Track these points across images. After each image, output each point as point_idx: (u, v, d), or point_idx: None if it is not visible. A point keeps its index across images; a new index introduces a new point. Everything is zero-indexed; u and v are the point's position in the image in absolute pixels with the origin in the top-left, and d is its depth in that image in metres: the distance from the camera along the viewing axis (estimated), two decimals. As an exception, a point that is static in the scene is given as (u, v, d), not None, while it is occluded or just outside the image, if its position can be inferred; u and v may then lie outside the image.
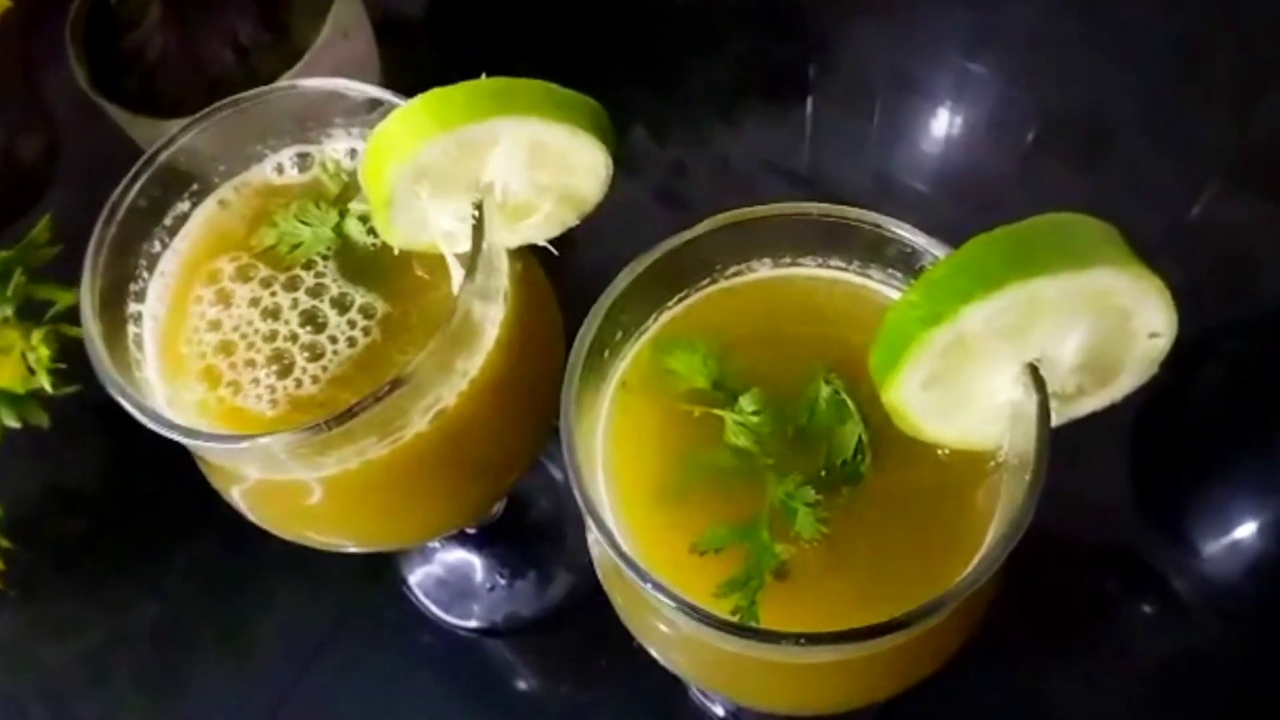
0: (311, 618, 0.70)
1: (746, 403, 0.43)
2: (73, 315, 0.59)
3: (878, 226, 0.41)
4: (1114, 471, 0.68)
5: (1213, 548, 0.66)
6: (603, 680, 0.66)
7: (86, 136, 0.70)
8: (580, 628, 0.67)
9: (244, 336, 0.47)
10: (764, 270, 0.46)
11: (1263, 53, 0.79)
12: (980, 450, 0.41)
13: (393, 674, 0.68)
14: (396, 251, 0.45)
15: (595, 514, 0.39)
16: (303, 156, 0.50)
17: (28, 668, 0.72)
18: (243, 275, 0.48)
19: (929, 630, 0.39)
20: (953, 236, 0.39)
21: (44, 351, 0.54)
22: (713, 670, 0.46)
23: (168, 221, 0.48)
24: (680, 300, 0.45)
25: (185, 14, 0.69)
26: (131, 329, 0.46)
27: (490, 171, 0.42)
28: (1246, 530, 0.66)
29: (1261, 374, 0.72)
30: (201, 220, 0.49)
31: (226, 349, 0.47)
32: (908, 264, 0.42)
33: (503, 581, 0.68)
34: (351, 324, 0.46)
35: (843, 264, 0.45)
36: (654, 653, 0.46)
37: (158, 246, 0.48)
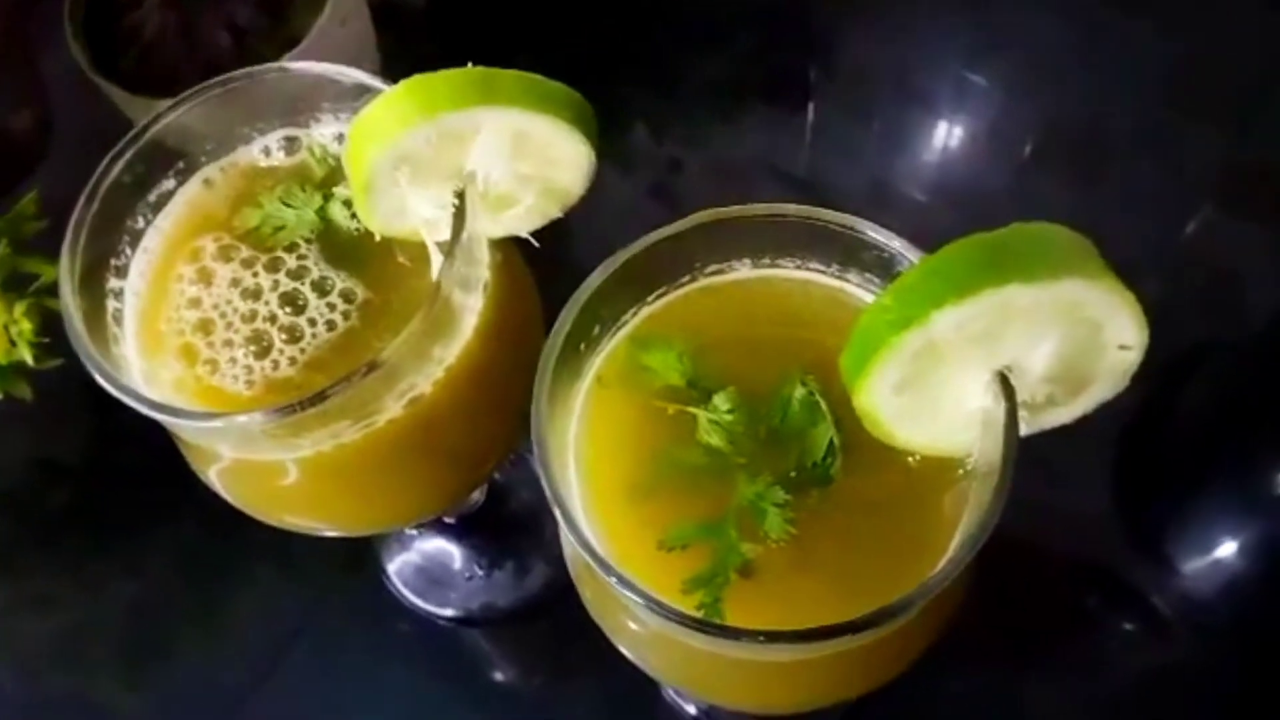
0: (289, 602, 0.70)
1: (721, 401, 0.43)
2: (57, 290, 0.59)
3: (854, 230, 0.42)
4: (1095, 486, 0.68)
5: (1192, 565, 0.66)
6: (576, 674, 0.67)
7: (81, 114, 0.70)
8: (556, 620, 0.67)
9: (223, 316, 0.47)
10: (744, 270, 0.46)
11: (1257, 76, 0.79)
12: (950, 457, 0.41)
13: (367, 660, 0.68)
14: (379, 238, 0.45)
15: (564, 509, 0.39)
16: (290, 140, 0.50)
17: (2, 641, 0.72)
18: (225, 255, 0.48)
19: (894, 632, 0.39)
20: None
21: (26, 325, 0.54)
22: (679, 667, 0.46)
23: (152, 198, 0.48)
24: (659, 297, 0.45)
25: (184, -6, 0.69)
26: (112, 304, 0.47)
27: (472, 160, 0.42)
28: (1226, 549, 0.67)
29: (1246, 394, 0.72)
30: (186, 199, 0.49)
31: (205, 328, 0.47)
32: (885, 268, 0.42)
33: (480, 572, 0.68)
34: (331, 308, 0.46)
35: (821, 267, 0.45)
36: (624, 650, 0.46)
37: (141, 223, 0.48)
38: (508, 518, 0.70)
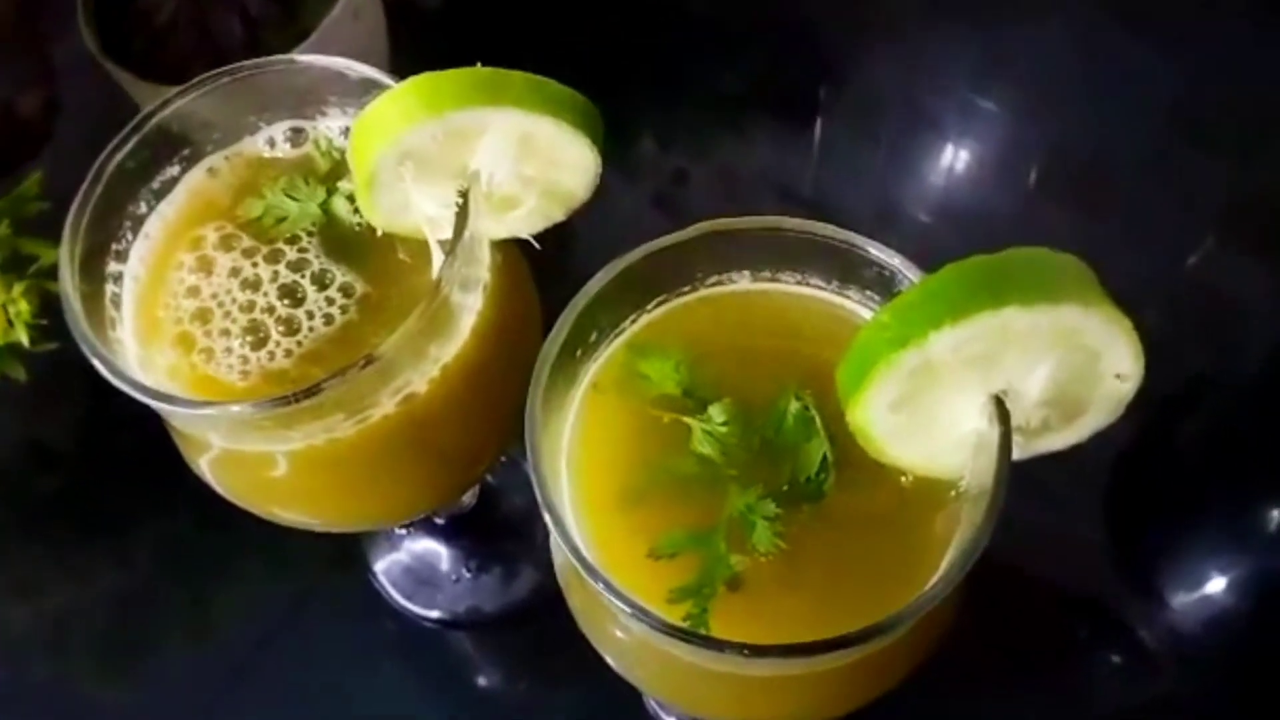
0: (275, 597, 0.70)
1: (716, 412, 0.43)
2: (57, 273, 0.59)
3: (855, 246, 0.42)
4: (1087, 515, 0.68)
5: (1182, 598, 0.66)
6: (559, 683, 0.66)
7: (90, 98, 0.71)
8: (541, 627, 0.67)
9: (221, 305, 0.47)
10: (744, 282, 0.46)
11: (1263, 110, 0.79)
12: (942, 478, 0.41)
13: (351, 658, 0.68)
14: (380, 233, 0.45)
15: (554, 513, 0.39)
16: (296, 132, 0.50)
17: (-17, 625, 0.72)
18: (225, 244, 0.48)
19: (879, 651, 0.39)
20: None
21: (24, 305, 0.54)
22: (663, 678, 0.46)
23: (156, 184, 0.48)
24: (659, 305, 0.45)
25: (198, -17, 0.69)
26: (110, 288, 0.46)
27: (477, 160, 0.42)
28: (1216, 584, 0.66)
29: (1242, 430, 0.72)
30: (189, 186, 0.49)
31: (203, 316, 0.47)
32: (885, 286, 0.42)
33: (468, 574, 0.68)
34: (330, 301, 0.46)
35: (821, 283, 0.45)
36: (608, 658, 0.46)
37: (144, 208, 0.48)
38: (499, 521, 0.70)
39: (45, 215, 0.59)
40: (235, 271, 0.47)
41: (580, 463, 0.43)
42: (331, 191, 0.48)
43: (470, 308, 0.46)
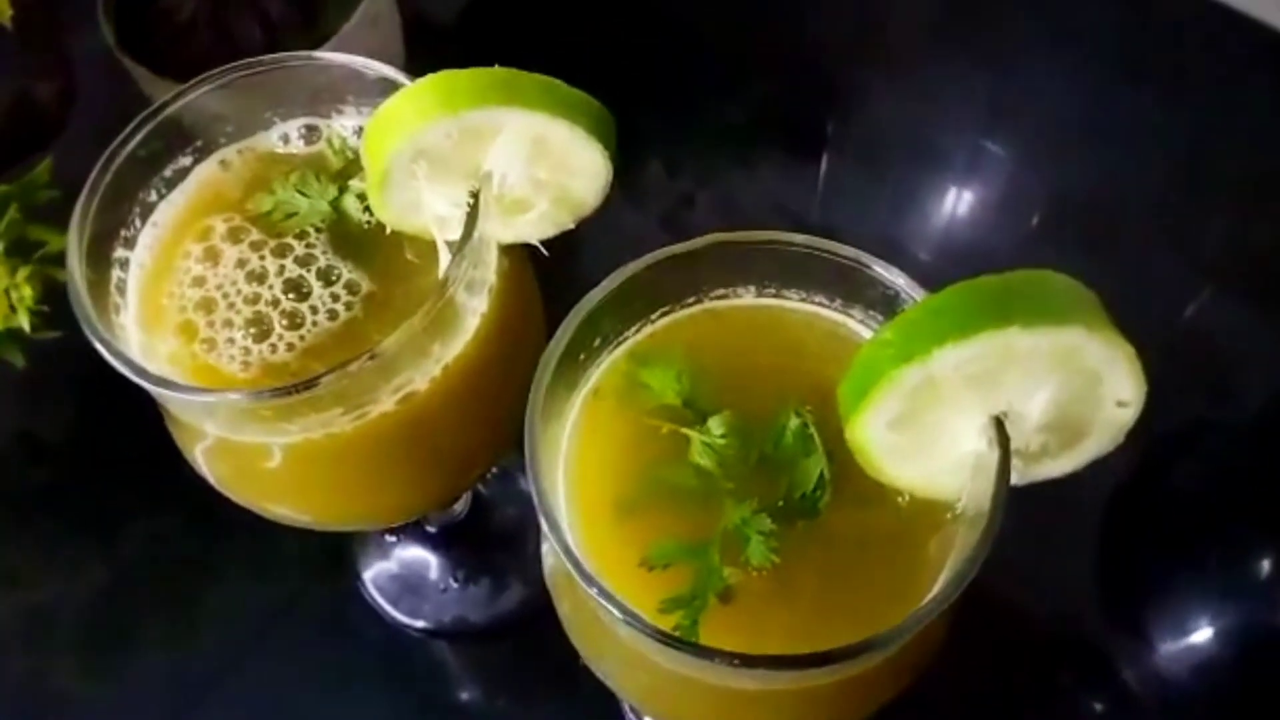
0: (260, 600, 0.70)
1: (715, 425, 0.43)
2: (63, 260, 0.59)
3: (860, 264, 0.42)
4: (1079, 556, 0.68)
5: (1169, 644, 0.66)
6: (541, 697, 0.66)
7: (105, 91, 0.71)
8: (526, 641, 0.66)
9: (226, 296, 0.47)
10: (748, 297, 0.46)
11: (1266, 162, 0.80)
12: (939, 500, 0.41)
13: (333, 663, 0.67)
14: (389, 231, 0.45)
15: (549, 515, 0.39)
16: (310, 129, 0.50)
17: (-37, 615, 0.71)
18: (234, 236, 0.48)
19: (866, 671, 0.39)
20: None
21: (27, 290, 0.54)
22: (651, 690, 0.45)
23: (168, 173, 0.49)
24: (663, 315, 0.45)
25: (220, -16, 0.70)
26: (116, 273, 0.46)
27: (490, 161, 0.42)
28: (1204, 632, 0.66)
29: (1236, 478, 0.72)
30: (201, 177, 0.49)
31: (207, 306, 0.47)
32: (888, 306, 0.43)
33: (456, 585, 0.68)
34: (335, 297, 0.46)
35: (825, 300, 0.45)
36: (594, 667, 0.46)
37: (154, 197, 0.48)
38: (490, 533, 0.70)
39: (54, 203, 0.59)
40: (242, 263, 0.47)
41: (577, 469, 0.43)
42: (342, 189, 0.48)
43: (475, 310, 0.46)
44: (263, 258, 0.47)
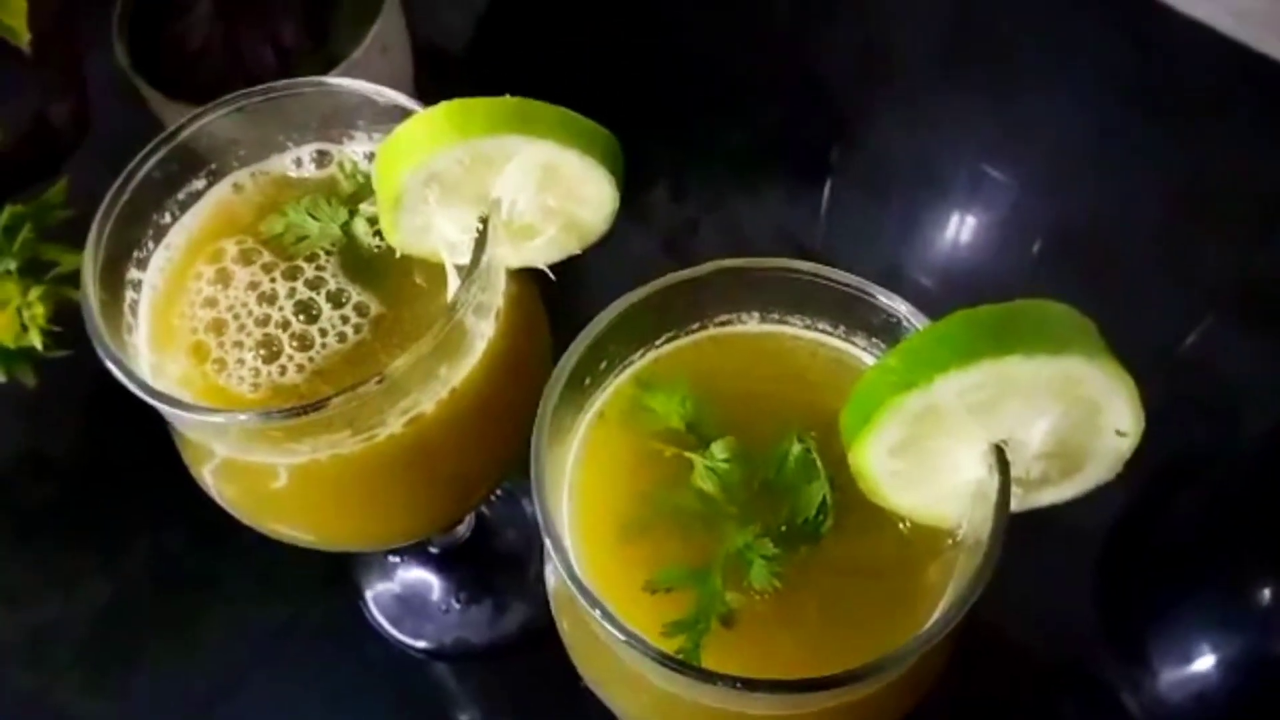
0: (262, 619, 0.70)
1: (718, 449, 0.43)
2: (76, 280, 0.60)
3: (863, 293, 0.42)
4: (1079, 585, 0.68)
5: (1168, 674, 0.66)
6: (541, 719, 0.66)
7: (119, 114, 0.72)
8: (527, 663, 0.67)
9: (236, 317, 0.47)
10: (753, 324, 0.46)
11: (1268, 193, 0.81)
12: (940, 527, 0.42)
13: (335, 684, 0.67)
14: (399, 254, 0.46)
15: (554, 536, 0.39)
16: (322, 154, 0.51)
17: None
18: (245, 259, 0.49)
19: (866, 696, 0.39)
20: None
21: (40, 309, 0.55)
22: (651, 712, 0.45)
23: (181, 196, 0.49)
24: (668, 340, 0.46)
25: (234, 10, 0.71)
26: (129, 294, 0.47)
27: (500, 187, 0.43)
28: (1204, 661, 0.66)
29: (1236, 508, 0.72)
30: (214, 200, 0.50)
31: (218, 327, 0.47)
32: (891, 334, 0.43)
33: (458, 606, 0.68)
34: (344, 319, 0.47)
35: (829, 328, 0.45)
36: (596, 690, 0.46)
37: (168, 219, 0.49)
38: (492, 555, 0.70)
39: (67, 224, 0.60)
40: (253, 285, 0.48)
41: (581, 491, 0.44)
42: (353, 213, 0.49)
43: (483, 334, 0.46)
44: (273, 280, 0.48)
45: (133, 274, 0.48)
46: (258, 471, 0.46)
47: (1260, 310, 0.77)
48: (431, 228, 0.44)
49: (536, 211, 0.44)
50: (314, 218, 0.49)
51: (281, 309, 0.47)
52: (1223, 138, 0.83)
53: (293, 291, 0.48)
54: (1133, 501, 0.70)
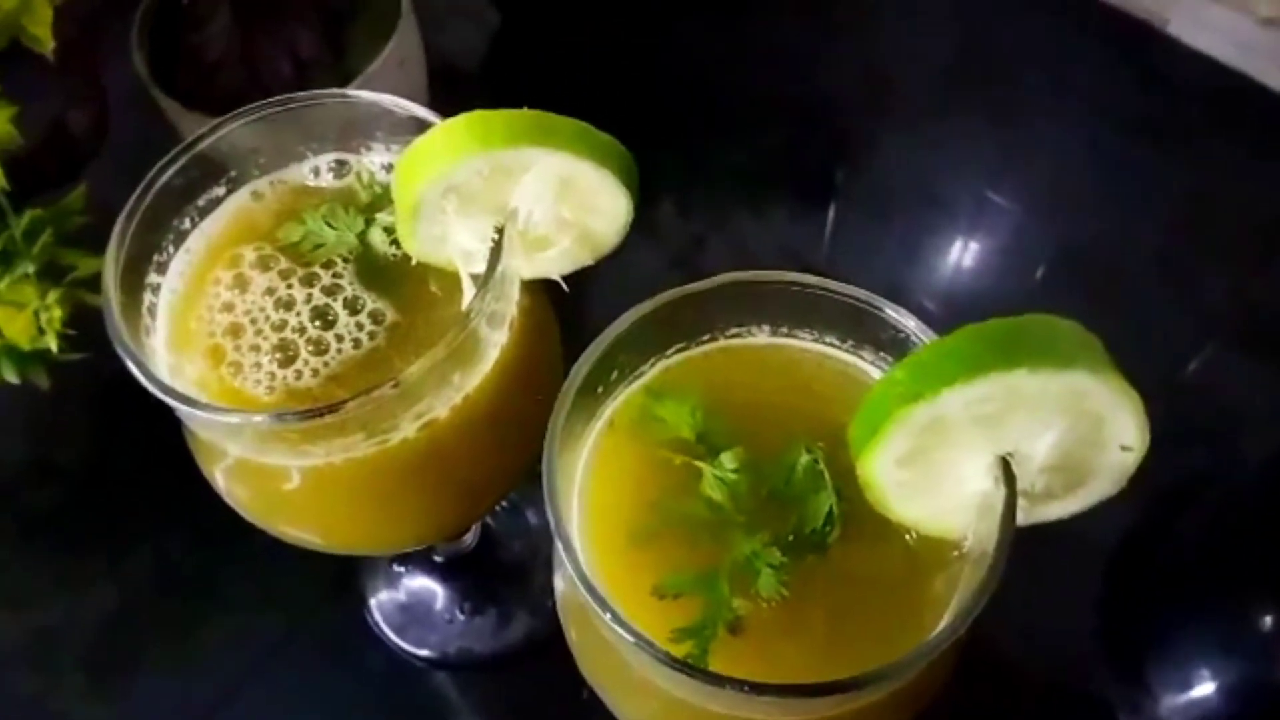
0: (265, 626, 0.70)
1: (727, 459, 0.44)
2: (92, 285, 0.61)
3: (872, 307, 0.43)
4: (1080, 607, 0.68)
5: (1169, 698, 0.66)
6: (543, 729, 0.66)
7: (137, 123, 0.73)
8: (530, 674, 0.67)
9: (254, 322, 0.48)
10: (762, 337, 0.47)
11: (1269, 221, 0.81)
12: (945, 538, 0.42)
13: (337, 690, 0.68)
14: (415, 262, 0.47)
15: (565, 540, 0.40)
16: (341, 164, 0.52)
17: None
18: (263, 265, 0.49)
19: (872, 703, 0.40)
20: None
21: (57, 312, 0.55)
22: (659, 718, 0.46)
23: (201, 202, 0.50)
24: (678, 351, 0.47)
25: (252, 22, 0.72)
26: (148, 297, 0.48)
27: (517, 198, 0.44)
28: (1204, 687, 0.67)
29: (1237, 533, 0.73)
30: (233, 207, 0.51)
31: (235, 331, 0.48)
32: (899, 348, 0.44)
33: (462, 616, 0.68)
34: (360, 326, 0.48)
35: (837, 341, 0.46)
36: (603, 697, 0.46)
37: (187, 224, 0.50)
38: (497, 565, 0.70)
39: (84, 230, 0.61)
40: (270, 291, 0.49)
41: (591, 498, 0.44)
42: (369, 222, 0.50)
43: (496, 342, 0.47)
44: (290, 286, 0.49)
45: (152, 277, 0.48)
46: (271, 473, 0.46)
47: (1260, 335, 0.77)
48: (448, 237, 0.44)
49: (552, 223, 0.45)
50: (331, 226, 0.49)
51: (298, 314, 0.48)
52: (1223, 163, 0.84)
53: (309, 298, 0.48)
54: (1133, 524, 0.71)
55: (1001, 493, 0.39)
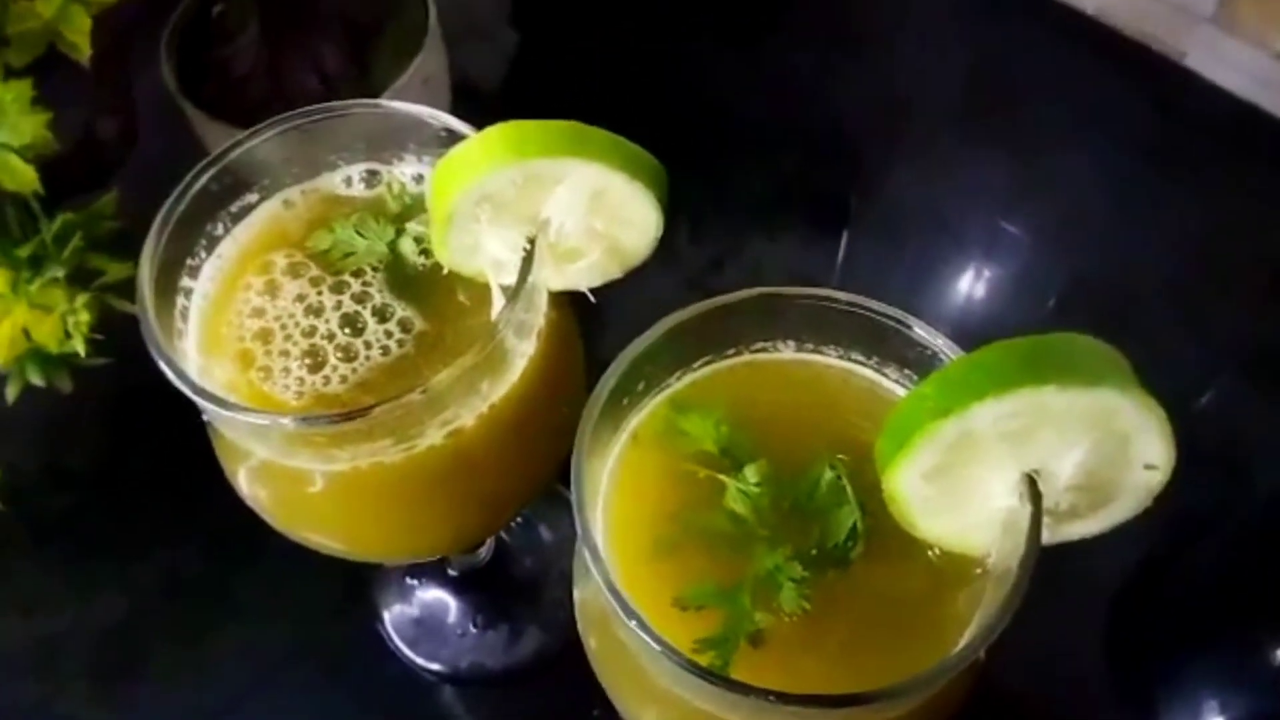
0: (275, 636, 0.70)
1: (751, 473, 0.44)
2: (120, 290, 0.61)
3: (899, 323, 0.44)
4: (1093, 636, 0.68)
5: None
6: (554, 745, 0.66)
7: (164, 133, 0.73)
8: (541, 689, 0.67)
9: (283, 327, 0.48)
10: (788, 352, 0.48)
11: (1283, 255, 0.82)
12: (969, 555, 0.42)
13: (348, 702, 0.67)
14: (446, 271, 0.47)
15: (592, 545, 0.40)
16: (372, 174, 0.52)
17: (-19, 639, 0.72)
18: (293, 271, 0.50)
19: (896, 717, 0.40)
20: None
21: (85, 316, 0.56)
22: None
23: (234, 209, 0.51)
24: (705, 364, 0.47)
25: (280, 37, 0.73)
26: (180, 301, 0.48)
27: (549, 209, 0.44)
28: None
29: (1248, 568, 0.73)
30: (265, 215, 0.51)
31: (265, 336, 0.48)
32: (924, 366, 0.44)
33: (474, 630, 0.68)
34: (388, 334, 0.48)
35: (862, 358, 0.47)
36: (620, 707, 0.46)
37: (220, 230, 0.50)
38: (510, 580, 0.70)
39: (113, 234, 0.61)
40: (300, 297, 0.49)
41: (615, 508, 0.45)
42: (400, 232, 0.50)
43: (523, 352, 0.47)
44: (320, 293, 0.49)
45: (185, 281, 0.49)
46: (296, 476, 0.47)
47: (1273, 367, 0.78)
48: (480, 247, 0.45)
49: (583, 234, 0.45)
50: (361, 235, 0.50)
51: (327, 321, 0.48)
52: (1238, 198, 0.84)
53: (339, 305, 0.49)
54: (1143, 554, 0.71)
55: (1027, 510, 0.39)
